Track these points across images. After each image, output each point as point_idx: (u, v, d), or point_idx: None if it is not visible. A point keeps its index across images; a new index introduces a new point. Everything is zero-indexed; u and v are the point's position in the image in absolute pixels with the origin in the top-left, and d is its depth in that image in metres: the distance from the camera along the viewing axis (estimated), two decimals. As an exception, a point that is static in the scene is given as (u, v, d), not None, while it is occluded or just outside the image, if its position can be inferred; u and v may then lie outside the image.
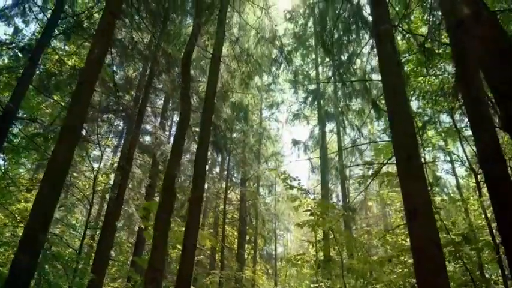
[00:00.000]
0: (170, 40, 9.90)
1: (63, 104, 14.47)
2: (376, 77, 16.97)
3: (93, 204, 15.89)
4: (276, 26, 10.40)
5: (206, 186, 25.36)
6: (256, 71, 11.14)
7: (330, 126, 21.13)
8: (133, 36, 13.51)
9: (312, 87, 20.79)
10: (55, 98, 14.41)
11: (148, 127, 16.08)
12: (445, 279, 3.49)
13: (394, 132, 4.37)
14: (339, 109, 20.28)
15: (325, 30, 10.53)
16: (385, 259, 7.34)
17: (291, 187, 8.22)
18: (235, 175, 23.30)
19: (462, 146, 12.76)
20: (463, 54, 5.51)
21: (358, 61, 15.42)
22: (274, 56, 11.88)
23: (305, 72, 22.19)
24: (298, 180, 8.30)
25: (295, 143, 20.40)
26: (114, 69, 16.84)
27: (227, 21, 8.86)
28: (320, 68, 21.66)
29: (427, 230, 3.72)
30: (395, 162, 4.36)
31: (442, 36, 10.06)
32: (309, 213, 7.70)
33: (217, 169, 25.65)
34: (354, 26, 10.76)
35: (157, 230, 5.96)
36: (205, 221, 24.83)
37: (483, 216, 11.86)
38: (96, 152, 19.58)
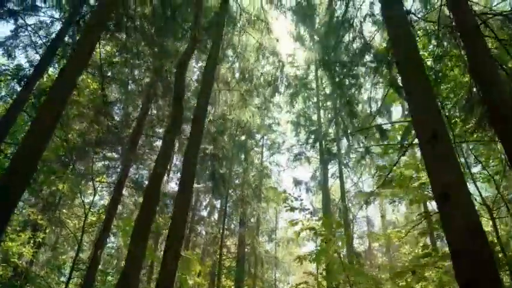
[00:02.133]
0: (167, 57, 9.63)
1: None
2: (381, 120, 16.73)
3: (81, 243, 15.05)
4: (277, 40, 10.23)
5: (204, 232, 24.35)
6: (256, 89, 10.82)
7: (332, 169, 20.57)
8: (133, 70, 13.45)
9: (314, 128, 20.54)
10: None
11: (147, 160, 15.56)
12: (494, 274, 2.77)
13: (415, 110, 3.79)
14: (341, 153, 19.86)
15: (328, 56, 10.31)
16: (404, 270, 6.40)
17: (292, 209, 7.47)
18: (234, 220, 22.31)
19: (474, 182, 12.06)
20: (480, 54, 5.07)
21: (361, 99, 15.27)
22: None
23: (307, 115, 22.03)
24: (301, 200, 7.60)
25: (296, 183, 19.62)
26: (116, 109, 16.77)
27: (229, 35, 8.71)
28: (322, 112, 21.55)
29: (465, 214, 3.05)
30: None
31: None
32: (311, 232, 6.94)
33: (216, 216, 24.76)
34: (358, 52, 10.58)
35: (134, 238, 5.25)
36: (201, 270, 23.50)
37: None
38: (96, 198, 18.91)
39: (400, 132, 11.50)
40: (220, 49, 8.12)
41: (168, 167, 20.94)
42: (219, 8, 8.38)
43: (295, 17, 20.99)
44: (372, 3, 10.24)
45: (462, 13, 5.51)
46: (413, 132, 10.02)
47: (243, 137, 19.75)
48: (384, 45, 10.60)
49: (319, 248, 7.11)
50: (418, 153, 11.05)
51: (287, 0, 10.60)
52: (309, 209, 7.43)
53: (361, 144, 19.65)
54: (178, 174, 17.87)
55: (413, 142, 8.19)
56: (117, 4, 7.26)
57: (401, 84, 10.41)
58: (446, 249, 5.41)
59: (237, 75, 9.81)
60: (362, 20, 10.38)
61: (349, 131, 17.54)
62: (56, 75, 8.79)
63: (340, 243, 6.95)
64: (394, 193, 7.44)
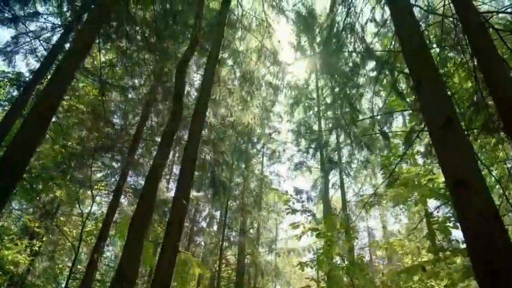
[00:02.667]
0: (167, 59, 9.56)
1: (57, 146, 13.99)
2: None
3: (79, 252, 14.80)
4: (279, 41, 10.18)
5: (203, 243, 24.04)
6: (257, 90, 10.73)
7: (333, 180, 20.42)
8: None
9: (315, 137, 20.46)
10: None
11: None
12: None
13: (426, 97, 3.65)
14: (342, 162, 19.73)
15: (330, 61, 10.25)
16: (414, 266, 6.09)
17: (294, 211, 7.27)
18: (233, 231, 21.98)
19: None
20: (486, 49, 4.94)
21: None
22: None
23: (307, 124, 21.93)
24: (302, 201, 7.42)
25: (297, 192, 19.35)
26: (116, 119, 16.68)
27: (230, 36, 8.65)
28: (323, 122, 21.47)
29: (483, 200, 2.94)
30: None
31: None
32: (314, 234, 6.74)
33: (215, 227, 24.47)
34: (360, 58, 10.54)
35: (131, 231, 5.08)
36: (200, 282, 23.18)
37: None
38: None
39: (402, 138, 11.38)
40: (221, 47, 8.05)
41: (168, 177, 20.79)
42: (220, 7, 8.35)
43: (296, 27, 21.12)
44: (373, 8, 10.24)
45: (466, 10, 5.43)
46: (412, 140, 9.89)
47: (243, 146, 19.66)
48: (385, 51, 10.56)
49: (321, 251, 6.89)
50: (420, 162, 10.86)
51: (289, 4, 10.56)
52: (311, 210, 7.25)
53: (363, 153, 19.55)
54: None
55: (417, 141, 8.07)
56: (117, 4, 7.19)
57: (401, 92, 10.40)
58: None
59: (237, 76, 9.76)
60: (364, 25, 10.36)
61: (352, 135, 17.29)
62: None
63: (343, 246, 6.76)
64: (398, 194, 7.18)
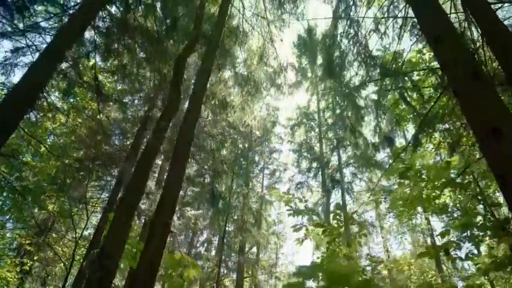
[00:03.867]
0: (167, 59, 9.35)
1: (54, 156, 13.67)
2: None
3: (70, 272, 14.19)
4: (281, 40, 10.00)
5: (200, 268, 23.26)
6: (257, 91, 10.46)
7: (335, 200, 19.95)
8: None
9: (316, 156, 20.25)
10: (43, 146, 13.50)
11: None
12: None
13: (444, 50, 3.35)
14: (344, 181, 19.35)
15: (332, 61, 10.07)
16: (435, 247, 5.48)
17: (295, 213, 6.85)
18: (232, 256, 21.26)
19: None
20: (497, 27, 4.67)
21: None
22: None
23: (308, 145, 21.73)
24: (305, 201, 7.02)
25: (298, 213, 18.80)
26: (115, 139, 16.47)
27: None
28: (324, 142, 21.27)
29: None
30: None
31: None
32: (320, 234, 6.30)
33: (213, 252, 23.82)
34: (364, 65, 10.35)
35: (118, 210, 4.71)
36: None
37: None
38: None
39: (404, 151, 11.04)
40: (222, 35, 7.88)
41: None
42: (221, 4, 8.24)
43: (297, 49, 21.21)
44: (375, 19, 10.18)
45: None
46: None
47: (244, 163, 19.45)
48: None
49: (323, 256, 6.44)
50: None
51: (290, 9, 10.49)
52: (314, 210, 6.83)
53: (366, 174, 19.23)
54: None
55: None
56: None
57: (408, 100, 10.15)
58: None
59: (238, 77, 9.61)
60: (367, 34, 10.26)
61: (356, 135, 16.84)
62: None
63: (349, 247, 6.31)
64: (411, 189, 6.56)
